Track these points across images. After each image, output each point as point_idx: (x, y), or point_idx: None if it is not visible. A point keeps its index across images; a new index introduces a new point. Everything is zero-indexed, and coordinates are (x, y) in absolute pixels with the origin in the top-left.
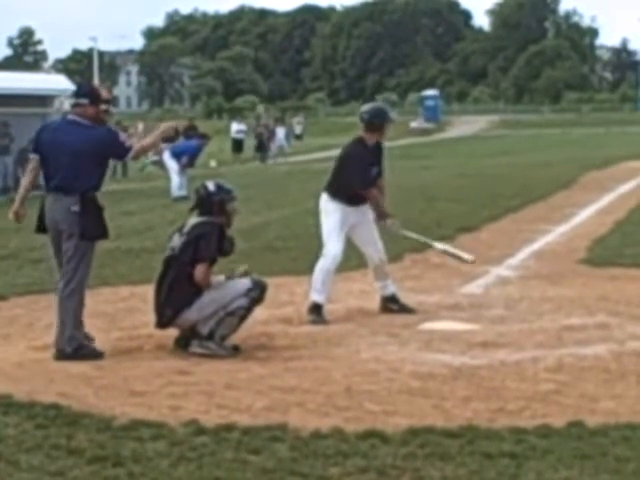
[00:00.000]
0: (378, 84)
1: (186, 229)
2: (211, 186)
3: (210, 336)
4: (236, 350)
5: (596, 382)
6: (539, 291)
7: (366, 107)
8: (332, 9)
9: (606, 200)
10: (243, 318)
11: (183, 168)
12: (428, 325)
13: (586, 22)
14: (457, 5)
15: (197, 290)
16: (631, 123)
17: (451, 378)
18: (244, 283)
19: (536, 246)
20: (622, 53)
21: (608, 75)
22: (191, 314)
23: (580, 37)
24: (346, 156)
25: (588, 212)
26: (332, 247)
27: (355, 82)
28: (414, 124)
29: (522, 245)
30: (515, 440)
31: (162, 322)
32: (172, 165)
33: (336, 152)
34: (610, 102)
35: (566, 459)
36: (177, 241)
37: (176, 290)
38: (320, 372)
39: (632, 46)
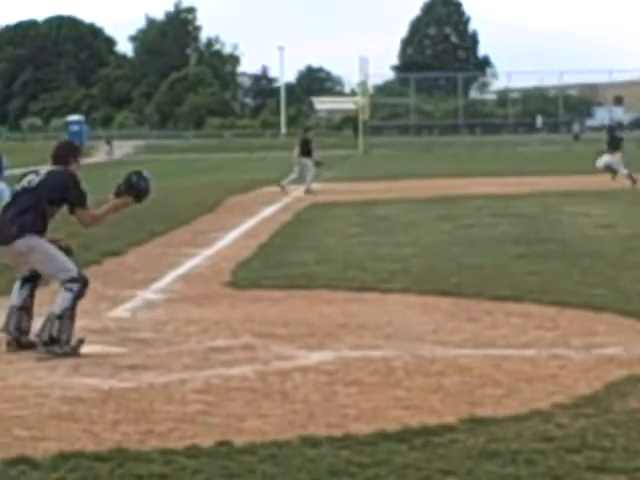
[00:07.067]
0: (22, 108)
1: (42, 172)
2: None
3: (52, 341)
4: (82, 342)
5: (243, 402)
6: (185, 314)
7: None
8: None
9: (250, 223)
10: (73, 317)
11: None
12: None
13: (228, 50)
14: (101, 32)
15: (43, 229)
16: (272, 148)
17: (100, 402)
18: (72, 269)
19: (182, 270)
20: (262, 80)
21: (250, 101)
22: (29, 242)
23: (222, 64)
24: None
25: (233, 235)
26: None
27: None
28: None
29: (168, 269)
30: (164, 461)
31: (5, 238)
32: None
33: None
34: (252, 128)
35: (215, 478)
36: (34, 179)
37: (27, 216)
38: None
39: (272, 73)
